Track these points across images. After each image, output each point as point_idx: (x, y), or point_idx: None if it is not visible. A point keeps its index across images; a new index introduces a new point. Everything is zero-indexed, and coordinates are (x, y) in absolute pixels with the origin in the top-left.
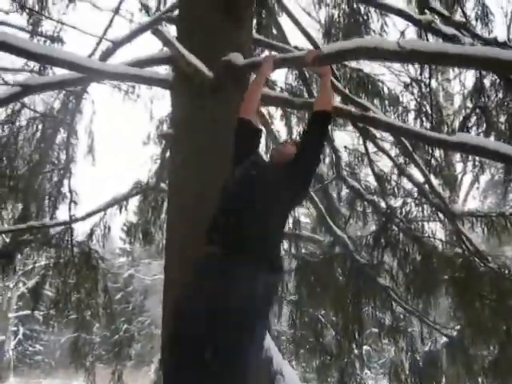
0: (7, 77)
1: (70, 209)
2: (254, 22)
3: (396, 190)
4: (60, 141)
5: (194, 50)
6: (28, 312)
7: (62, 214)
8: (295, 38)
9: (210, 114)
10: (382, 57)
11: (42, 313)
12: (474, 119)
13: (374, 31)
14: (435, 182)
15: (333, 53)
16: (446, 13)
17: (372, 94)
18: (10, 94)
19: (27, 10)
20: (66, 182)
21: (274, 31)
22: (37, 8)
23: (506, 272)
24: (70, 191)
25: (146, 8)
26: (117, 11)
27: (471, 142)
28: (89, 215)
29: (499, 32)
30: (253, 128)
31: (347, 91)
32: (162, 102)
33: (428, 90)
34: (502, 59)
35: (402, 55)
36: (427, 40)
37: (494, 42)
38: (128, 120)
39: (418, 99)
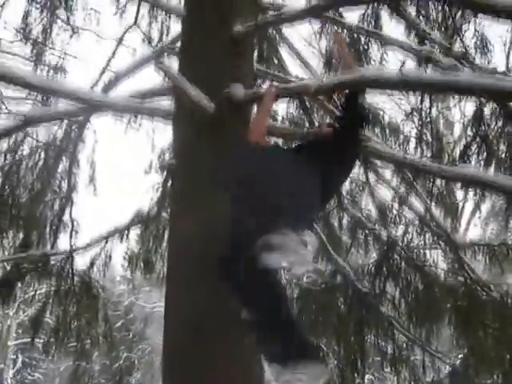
0: (10, 106)
1: (71, 238)
2: (256, 53)
3: (397, 218)
4: (62, 170)
5: (195, 82)
6: (27, 340)
7: (63, 242)
8: (296, 68)
9: (211, 145)
10: (385, 86)
11: (41, 341)
12: (474, 147)
13: (374, 61)
14: (436, 211)
15: (336, 83)
16: (445, 44)
17: (373, 123)
18: (13, 126)
19: (31, 41)
20: (67, 210)
21: (275, 61)
22: (41, 38)
23: (509, 301)
24: (72, 220)
25: (148, 39)
26: (120, 42)
27: (473, 174)
28: (90, 245)
29: (499, 60)
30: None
31: None
32: (164, 132)
33: (428, 118)
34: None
35: (405, 85)
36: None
37: (494, 73)
38: (130, 149)
39: (419, 128)
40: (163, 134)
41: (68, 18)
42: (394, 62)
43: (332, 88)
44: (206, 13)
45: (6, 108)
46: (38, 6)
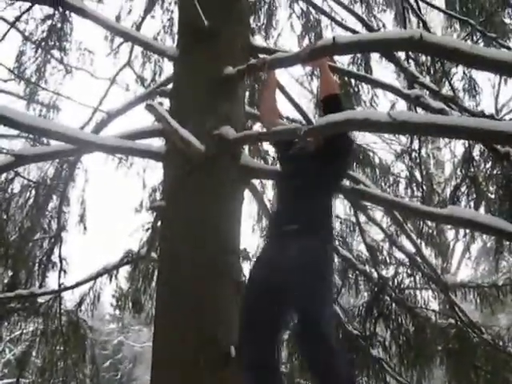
0: (2, 143)
1: (59, 277)
2: (247, 94)
3: (388, 259)
4: (52, 208)
5: (186, 123)
6: (13, 380)
7: (51, 281)
8: (287, 109)
9: (201, 187)
10: (374, 128)
11: (27, 381)
12: (464, 188)
13: (364, 102)
14: (427, 252)
15: (324, 125)
16: (434, 87)
17: (363, 163)
18: (3, 164)
19: (25, 80)
20: (56, 249)
21: None
22: (34, 77)
23: (500, 343)
24: (60, 259)
25: (141, 79)
26: (113, 81)
27: (463, 216)
28: (78, 284)
29: (487, 102)
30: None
31: None
32: (155, 170)
33: (419, 159)
34: (488, 129)
35: (394, 126)
36: None
37: (482, 116)
38: (120, 187)
39: (409, 168)
40: (154, 173)
41: (62, 58)
42: (384, 103)
43: (321, 130)
44: (198, 55)
45: None
46: (33, 45)
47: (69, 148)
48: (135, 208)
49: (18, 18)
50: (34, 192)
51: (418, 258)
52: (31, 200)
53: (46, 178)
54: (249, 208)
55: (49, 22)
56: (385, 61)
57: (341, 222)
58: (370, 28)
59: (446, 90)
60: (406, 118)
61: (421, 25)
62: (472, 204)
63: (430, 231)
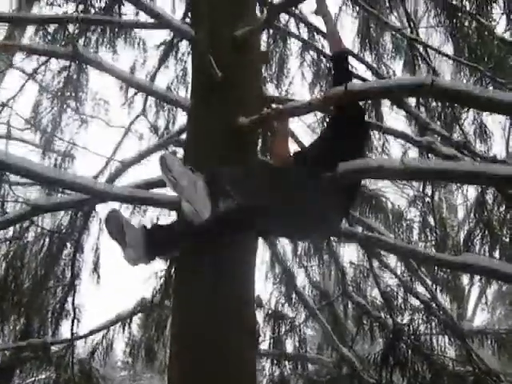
0: (18, 192)
1: (72, 326)
2: (260, 144)
3: (403, 305)
4: (66, 256)
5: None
6: None
7: (64, 329)
8: None
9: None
10: (388, 175)
11: None
12: (477, 233)
13: (376, 148)
14: (442, 297)
15: (342, 172)
16: (445, 133)
17: (376, 209)
18: (19, 214)
19: (40, 130)
20: (70, 298)
21: None
22: (50, 128)
23: None
24: (74, 308)
25: (155, 128)
26: (127, 131)
27: (477, 263)
28: (92, 333)
29: (499, 145)
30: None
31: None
32: (168, 219)
33: (431, 205)
34: (501, 175)
35: (407, 174)
36: None
37: (494, 161)
38: None
39: (422, 214)
40: (168, 221)
41: (77, 108)
42: (396, 149)
43: (340, 177)
44: (212, 105)
45: (14, 194)
46: (49, 96)
47: (84, 198)
48: None
49: (35, 70)
50: (48, 240)
51: (434, 304)
52: (45, 248)
53: (60, 226)
54: (261, 254)
55: (65, 74)
56: (395, 107)
57: (354, 268)
58: (379, 76)
59: (457, 135)
60: (419, 165)
61: (430, 72)
62: (486, 248)
63: (445, 276)
